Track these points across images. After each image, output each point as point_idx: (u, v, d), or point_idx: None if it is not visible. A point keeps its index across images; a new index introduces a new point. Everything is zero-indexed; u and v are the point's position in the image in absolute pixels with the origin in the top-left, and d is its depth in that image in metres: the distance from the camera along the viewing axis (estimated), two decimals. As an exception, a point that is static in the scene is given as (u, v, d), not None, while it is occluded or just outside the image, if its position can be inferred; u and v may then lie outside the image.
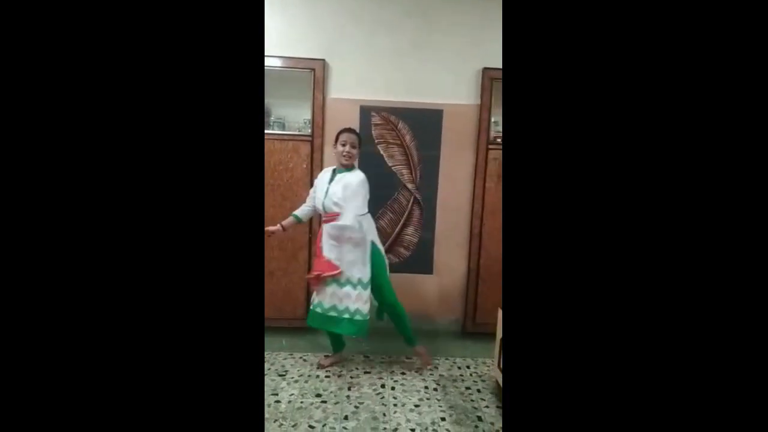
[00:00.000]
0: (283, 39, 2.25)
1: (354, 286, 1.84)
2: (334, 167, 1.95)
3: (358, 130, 1.95)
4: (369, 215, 1.94)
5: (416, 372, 2.03)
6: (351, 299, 1.84)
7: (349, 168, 1.91)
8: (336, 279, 1.83)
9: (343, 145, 1.88)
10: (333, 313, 1.86)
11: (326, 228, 1.88)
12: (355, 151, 1.90)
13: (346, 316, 1.83)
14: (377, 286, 1.92)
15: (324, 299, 1.87)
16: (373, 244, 1.90)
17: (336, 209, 1.84)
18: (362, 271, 1.85)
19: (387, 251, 2.43)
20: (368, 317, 1.85)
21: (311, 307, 1.93)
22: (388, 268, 2.00)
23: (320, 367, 2.03)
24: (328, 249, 1.86)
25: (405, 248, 2.46)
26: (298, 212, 2.04)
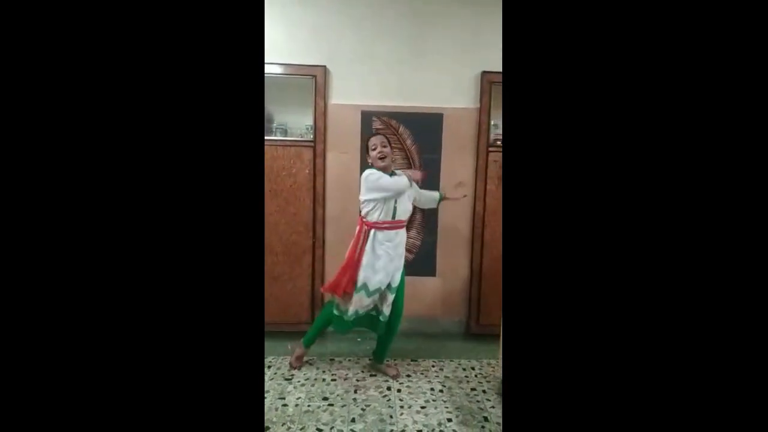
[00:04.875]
0: (284, 47, 2.28)
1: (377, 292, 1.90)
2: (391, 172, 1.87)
3: (359, 135, 1.92)
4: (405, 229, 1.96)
5: (422, 374, 2.04)
6: (385, 302, 1.92)
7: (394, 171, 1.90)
8: (365, 288, 1.86)
9: (374, 149, 1.84)
10: (373, 312, 1.97)
11: (389, 233, 1.86)
12: (387, 150, 1.84)
13: (381, 318, 1.94)
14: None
15: (354, 306, 1.89)
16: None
17: (404, 217, 1.91)
18: (383, 280, 1.87)
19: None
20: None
21: (337, 313, 1.94)
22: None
23: (292, 367, 2.06)
24: (373, 252, 1.84)
25: (408, 251, 2.47)
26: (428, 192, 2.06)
